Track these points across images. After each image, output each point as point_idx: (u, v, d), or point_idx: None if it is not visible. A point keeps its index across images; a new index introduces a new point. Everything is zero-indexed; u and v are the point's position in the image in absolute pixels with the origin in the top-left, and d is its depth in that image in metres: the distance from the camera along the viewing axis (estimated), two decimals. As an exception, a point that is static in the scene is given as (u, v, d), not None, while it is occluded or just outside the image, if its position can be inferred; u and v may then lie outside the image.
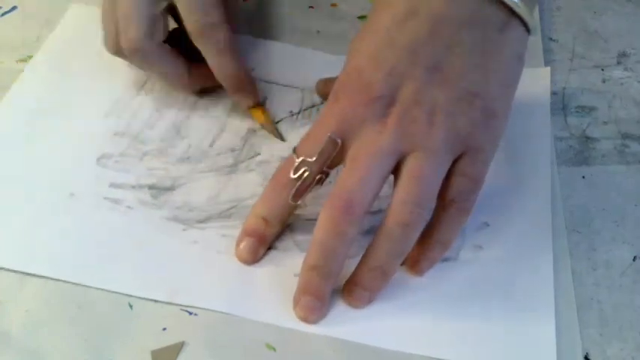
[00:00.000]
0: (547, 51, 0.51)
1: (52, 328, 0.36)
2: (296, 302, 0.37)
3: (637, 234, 0.41)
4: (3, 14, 0.51)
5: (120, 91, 0.46)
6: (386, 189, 0.36)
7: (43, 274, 0.38)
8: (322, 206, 0.35)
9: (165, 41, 0.43)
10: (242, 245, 0.38)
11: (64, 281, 0.37)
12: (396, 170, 0.35)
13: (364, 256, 0.36)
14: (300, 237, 0.40)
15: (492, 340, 0.36)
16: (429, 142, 0.35)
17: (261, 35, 0.51)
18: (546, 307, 0.37)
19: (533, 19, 0.36)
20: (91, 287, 0.37)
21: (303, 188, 0.37)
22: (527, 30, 0.36)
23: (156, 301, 0.37)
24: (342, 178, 0.35)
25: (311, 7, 0.53)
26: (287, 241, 0.40)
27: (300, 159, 0.36)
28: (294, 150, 0.37)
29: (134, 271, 0.38)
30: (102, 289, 0.37)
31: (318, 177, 0.37)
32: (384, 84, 0.35)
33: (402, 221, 0.35)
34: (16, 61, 0.48)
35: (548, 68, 0.49)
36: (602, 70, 0.50)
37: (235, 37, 0.44)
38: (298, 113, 0.46)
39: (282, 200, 0.37)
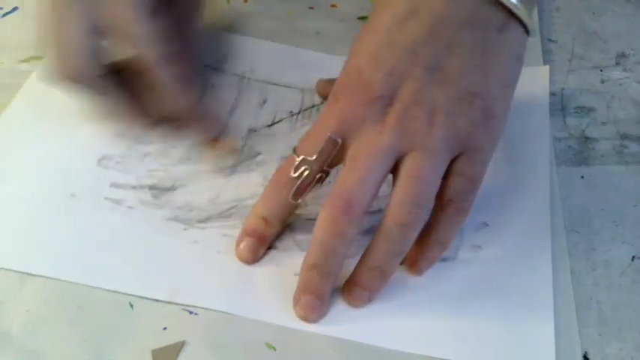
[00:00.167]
0: (546, 51, 0.51)
1: (52, 328, 0.36)
2: (296, 301, 0.37)
3: (636, 234, 0.41)
4: (4, 15, 0.51)
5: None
6: (385, 189, 0.36)
7: (43, 274, 0.38)
8: (322, 206, 0.35)
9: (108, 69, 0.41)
10: (242, 245, 0.39)
11: (65, 281, 0.37)
12: (394, 170, 0.35)
13: (363, 256, 0.36)
14: (300, 236, 0.40)
15: (491, 340, 0.36)
16: (428, 142, 0.35)
17: (261, 36, 0.51)
18: (545, 307, 0.37)
19: (532, 20, 0.36)
20: (91, 287, 0.37)
21: (303, 187, 0.37)
22: (527, 31, 0.37)
23: (156, 300, 0.37)
24: (342, 177, 0.35)
25: (311, 7, 0.53)
26: (287, 241, 0.40)
27: (301, 158, 0.36)
28: (295, 149, 0.37)
29: (135, 271, 0.38)
30: (102, 289, 0.37)
31: (318, 176, 0.37)
32: (384, 84, 0.35)
33: (400, 221, 0.35)
34: (17, 62, 0.48)
35: (547, 67, 0.49)
36: (601, 70, 0.50)
37: (187, 74, 0.41)
38: (298, 113, 0.46)
39: (282, 199, 0.37)
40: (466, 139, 0.35)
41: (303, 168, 0.36)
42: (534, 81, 0.47)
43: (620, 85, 0.49)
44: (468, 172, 0.36)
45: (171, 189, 0.42)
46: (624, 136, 0.46)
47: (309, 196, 0.38)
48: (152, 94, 0.41)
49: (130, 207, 0.41)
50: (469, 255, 0.40)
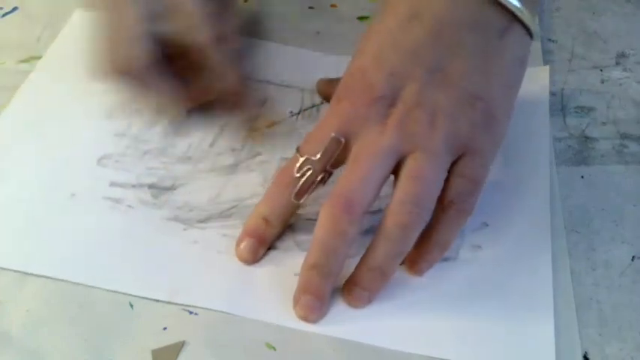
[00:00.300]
0: (546, 51, 0.51)
1: (52, 328, 0.36)
2: (296, 301, 0.37)
3: (636, 234, 0.41)
4: (4, 15, 0.51)
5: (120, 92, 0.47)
6: (386, 189, 0.36)
7: (43, 274, 0.38)
8: (322, 205, 0.35)
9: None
10: (242, 245, 0.39)
11: (65, 281, 0.37)
12: (396, 171, 0.35)
13: (364, 257, 0.36)
14: (300, 237, 0.40)
15: (491, 340, 0.36)
16: (429, 143, 0.35)
17: (261, 36, 0.51)
18: (545, 307, 0.37)
19: (535, 24, 0.36)
20: (91, 287, 0.37)
21: (305, 187, 0.37)
22: (530, 35, 0.37)
23: (156, 300, 0.37)
24: (343, 177, 0.35)
25: (311, 7, 0.53)
26: (288, 241, 0.40)
27: (304, 157, 0.37)
28: (298, 149, 0.37)
29: (135, 271, 0.38)
30: (102, 289, 0.37)
31: (320, 176, 0.37)
32: (386, 85, 0.35)
33: (400, 222, 0.35)
34: (17, 62, 0.48)
35: (547, 67, 0.49)
36: (601, 70, 0.50)
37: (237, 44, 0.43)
38: (298, 113, 0.46)
39: (284, 199, 0.37)
40: (467, 141, 0.35)
41: (306, 168, 0.36)
42: (534, 81, 0.47)
43: (620, 85, 0.49)
44: (470, 174, 0.36)
45: (171, 188, 0.42)
46: (624, 136, 0.46)
47: (310, 197, 0.38)
48: (203, 75, 0.42)
49: (129, 206, 0.41)
50: (469, 255, 0.40)
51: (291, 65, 0.49)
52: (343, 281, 0.37)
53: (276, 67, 0.49)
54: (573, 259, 0.40)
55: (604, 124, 0.47)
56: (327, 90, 0.46)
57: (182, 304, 0.37)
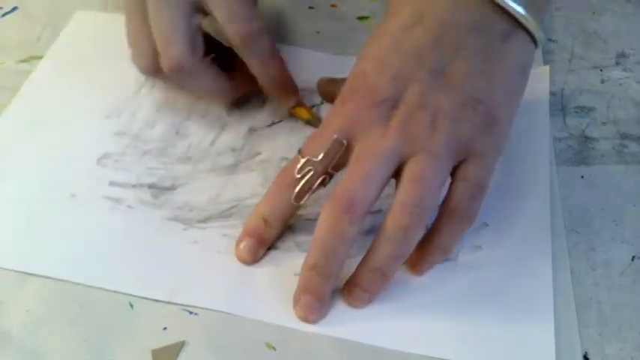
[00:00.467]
0: (546, 51, 0.51)
1: (52, 328, 0.36)
2: (296, 301, 0.37)
3: (636, 234, 0.41)
4: (4, 15, 0.51)
5: (120, 92, 0.47)
6: (387, 188, 0.36)
7: (43, 274, 0.38)
8: (323, 206, 0.35)
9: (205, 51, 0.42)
10: (242, 245, 0.39)
11: (65, 281, 0.37)
12: (397, 174, 0.36)
13: (364, 258, 0.36)
14: (301, 237, 0.40)
15: (491, 340, 0.36)
16: (430, 145, 0.35)
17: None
18: (545, 306, 0.37)
19: (540, 31, 0.36)
20: (91, 287, 0.37)
21: (306, 188, 0.37)
22: (535, 43, 0.37)
23: (156, 300, 0.37)
24: (345, 178, 0.35)
25: (311, 7, 0.53)
26: (288, 242, 0.40)
27: (305, 159, 0.37)
28: (299, 151, 0.37)
29: (135, 271, 0.38)
30: (102, 289, 0.37)
31: (321, 178, 0.37)
32: (389, 87, 0.35)
33: (402, 224, 0.35)
34: (17, 62, 0.48)
35: (547, 67, 0.49)
36: (601, 70, 0.50)
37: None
38: (298, 113, 0.46)
39: (285, 200, 0.37)
40: (469, 145, 0.35)
41: (307, 169, 0.37)
42: (534, 81, 0.47)
43: (620, 85, 0.49)
44: (472, 177, 0.36)
45: (171, 188, 0.42)
46: (624, 136, 0.46)
47: (311, 198, 0.38)
48: (245, 68, 0.42)
49: (129, 206, 0.41)
50: (469, 255, 0.40)
51: (291, 65, 0.49)
52: (344, 281, 0.37)
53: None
54: (573, 259, 0.40)
55: (604, 124, 0.47)
56: (327, 89, 0.46)
57: (182, 304, 0.37)
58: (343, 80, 0.38)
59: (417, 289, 0.38)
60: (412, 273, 0.39)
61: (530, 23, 0.36)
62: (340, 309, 0.37)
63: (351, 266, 0.37)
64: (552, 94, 0.48)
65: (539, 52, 0.50)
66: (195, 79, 0.42)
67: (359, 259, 0.37)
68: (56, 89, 0.46)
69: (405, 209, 0.34)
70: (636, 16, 0.54)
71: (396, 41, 0.36)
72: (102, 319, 0.36)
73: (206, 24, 0.42)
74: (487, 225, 0.41)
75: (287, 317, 0.37)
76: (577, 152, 0.45)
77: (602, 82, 0.50)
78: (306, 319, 0.36)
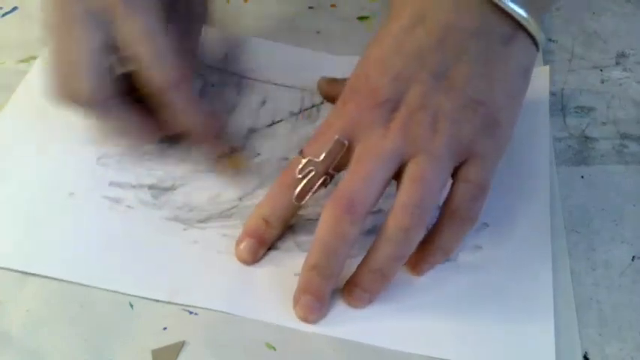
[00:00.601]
0: (546, 51, 0.51)
1: (52, 327, 0.36)
2: (296, 301, 0.37)
3: (636, 234, 0.41)
4: (4, 15, 0.51)
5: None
6: (388, 188, 0.36)
7: (43, 274, 0.38)
8: (324, 206, 0.35)
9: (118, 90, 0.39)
10: (242, 245, 0.39)
11: (65, 281, 0.37)
12: (398, 175, 0.36)
13: (365, 258, 0.36)
14: (301, 238, 0.40)
15: (491, 340, 0.36)
16: (431, 147, 0.35)
17: (261, 35, 0.51)
18: (545, 306, 0.37)
19: (541, 33, 0.36)
20: (91, 287, 0.37)
21: (307, 189, 0.37)
22: (536, 45, 0.37)
23: (156, 300, 0.37)
24: (346, 178, 0.35)
25: (311, 7, 0.53)
26: (288, 242, 0.40)
27: (307, 159, 0.37)
28: (301, 151, 0.37)
29: (134, 271, 0.38)
30: (102, 289, 0.37)
31: (322, 179, 0.37)
32: (390, 88, 0.35)
33: (402, 225, 0.35)
34: (17, 62, 0.48)
35: (547, 67, 0.49)
36: (601, 70, 0.50)
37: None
38: (298, 113, 0.46)
39: (285, 200, 0.37)
40: (470, 146, 0.35)
41: (308, 169, 0.37)
42: (534, 81, 0.47)
43: (620, 85, 0.49)
44: (474, 179, 0.36)
45: (171, 188, 0.42)
46: (624, 136, 0.46)
47: (311, 199, 0.38)
48: (163, 113, 0.39)
49: (129, 206, 0.41)
50: (469, 255, 0.40)
51: (291, 65, 0.49)
52: (344, 282, 0.37)
53: (276, 67, 0.49)
54: (573, 259, 0.40)
55: (604, 124, 0.47)
56: (328, 89, 0.46)
57: (182, 304, 0.37)
58: (344, 80, 0.38)
59: (416, 289, 0.38)
60: (412, 273, 0.39)
61: (532, 26, 0.36)
62: (340, 309, 0.37)
63: (351, 266, 0.37)
64: (552, 94, 0.48)
65: (539, 52, 0.50)
66: (103, 116, 0.39)
67: (359, 259, 0.37)
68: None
69: (405, 210, 0.35)
70: (636, 16, 0.54)
71: (397, 42, 0.36)
72: (102, 319, 0.36)
73: (124, 63, 0.39)
74: (487, 225, 0.41)
75: (287, 317, 0.37)
76: (577, 152, 0.45)
77: (602, 82, 0.50)
78: (306, 319, 0.36)
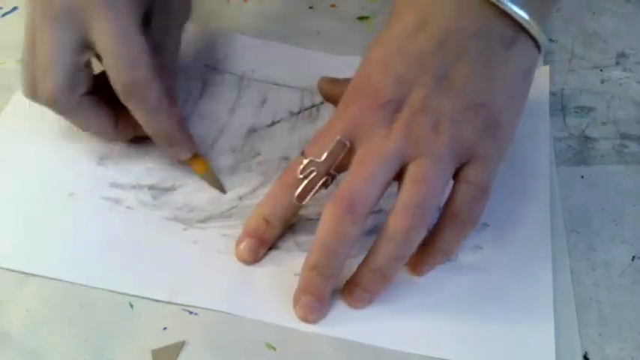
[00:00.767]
0: (546, 52, 0.51)
1: (53, 328, 0.36)
2: (296, 301, 0.37)
3: (636, 234, 0.41)
4: (4, 15, 0.51)
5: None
6: (388, 189, 0.36)
7: (43, 274, 0.38)
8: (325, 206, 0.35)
9: (90, 89, 0.39)
10: (242, 245, 0.39)
11: (65, 281, 0.37)
12: (400, 176, 0.36)
13: (365, 258, 0.36)
14: (301, 238, 0.40)
15: (491, 340, 0.36)
16: (433, 148, 0.35)
17: (261, 35, 0.51)
18: (545, 306, 0.37)
19: (543, 36, 0.36)
20: (91, 287, 0.37)
21: (308, 189, 0.37)
22: (537, 47, 0.37)
23: (156, 300, 0.37)
24: (347, 179, 0.35)
25: (311, 7, 0.53)
26: (288, 242, 0.40)
27: (308, 159, 0.37)
28: (303, 151, 0.37)
29: (135, 271, 0.38)
30: (102, 289, 0.37)
31: (323, 179, 0.37)
32: (393, 90, 0.35)
33: (403, 225, 0.35)
34: (17, 62, 0.48)
35: (547, 67, 0.49)
36: (601, 70, 0.50)
37: (169, 87, 0.40)
38: (298, 113, 0.46)
39: (286, 200, 0.37)
40: (471, 148, 0.36)
41: (309, 170, 0.37)
42: (534, 81, 0.47)
43: (620, 85, 0.49)
44: (475, 180, 0.36)
45: (171, 189, 0.42)
46: (624, 136, 0.46)
47: (312, 199, 0.38)
48: (131, 115, 0.39)
49: (129, 207, 0.41)
50: (470, 255, 0.40)
51: (291, 65, 0.49)
52: (344, 282, 0.37)
53: (276, 67, 0.49)
54: (573, 259, 0.40)
55: (604, 124, 0.47)
56: (328, 89, 0.46)
57: (182, 304, 0.37)
58: (344, 80, 0.38)
59: (417, 289, 0.38)
60: (413, 274, 0.39)
61: (534, 28, 0.36)
62: (340, 309, 0.37)
63: (351, 266, 0.37)
64: (552, 94, 0.48)
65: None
66: (73, 115, 0.40)
67: (360, 259, 0.37)
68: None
69: (406, 210, 0.35)
70: (636, 16, 0.54)
71: (399, 45, 0.36)
72: (102, 319, 0.36)
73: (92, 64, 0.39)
74: (487, 225, 0.41)
75: (287, 317, 0.37)
76: (577, 152, 0.45)
77: (602, 82, 0.50)
78: (306, 319, 0.37)
